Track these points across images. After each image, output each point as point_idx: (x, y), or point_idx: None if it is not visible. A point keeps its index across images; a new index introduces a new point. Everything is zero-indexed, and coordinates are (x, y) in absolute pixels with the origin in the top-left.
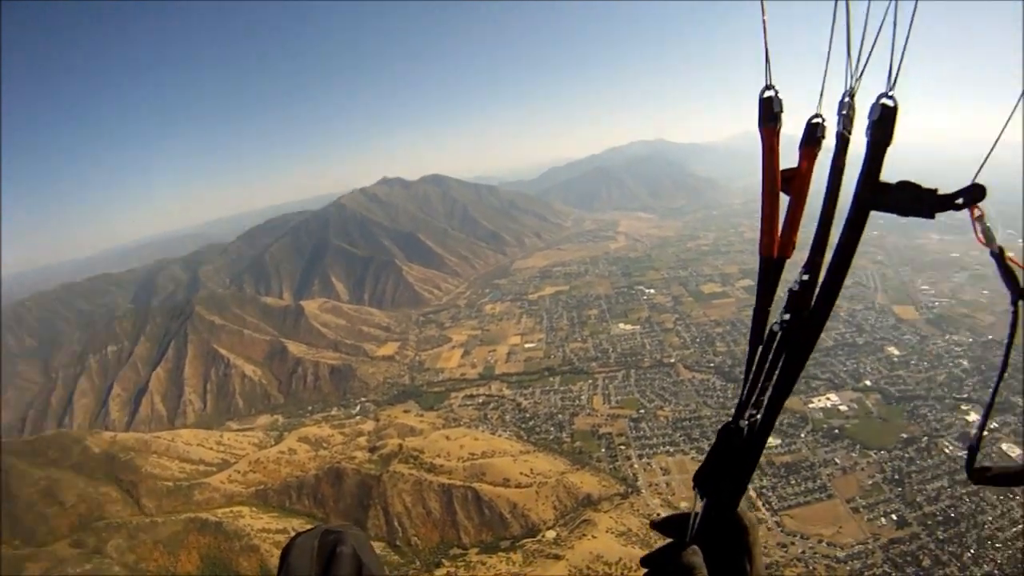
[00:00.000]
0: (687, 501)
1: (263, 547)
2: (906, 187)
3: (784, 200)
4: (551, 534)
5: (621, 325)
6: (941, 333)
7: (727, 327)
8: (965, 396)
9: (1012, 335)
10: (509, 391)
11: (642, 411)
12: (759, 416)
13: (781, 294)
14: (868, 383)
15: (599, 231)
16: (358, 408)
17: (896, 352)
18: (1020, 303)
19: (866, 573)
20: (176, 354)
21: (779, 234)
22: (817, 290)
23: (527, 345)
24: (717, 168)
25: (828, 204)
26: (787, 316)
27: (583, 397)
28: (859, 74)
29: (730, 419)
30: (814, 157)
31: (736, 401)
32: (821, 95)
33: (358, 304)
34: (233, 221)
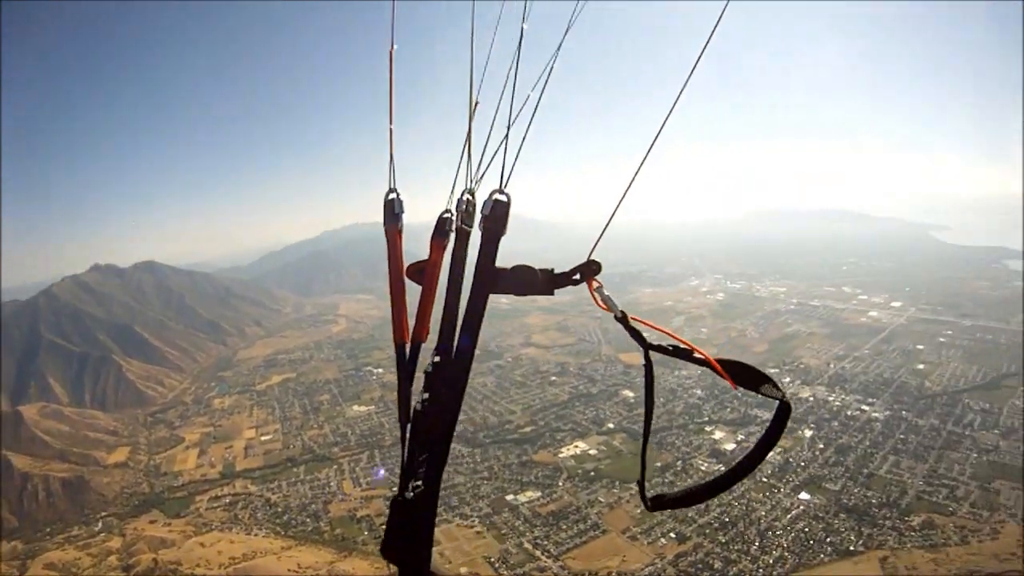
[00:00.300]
0: (465, 567)
1: None
2: (522, 271)
3: (416, 289)
4: None
5: (355, 407)
6: (670, 371)
7: (466, 401)
8: (706, 419)
9: (649, 380)
10: (255, 487)
11: (394, 490)
12: (422, 485)
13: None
14: (611, 425)
15: (320, 315)
16: (100, 524)
17: (631, 394)
18: (649, 353)
19: None
20: None
21: (407, 322)
22: (449, 369)
23: (263, 438)
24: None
25: (450, 292)
26: (426, 395)
27: (332, 483)
28: (480, 176)
29: (396, 494)
30: (443, 248)
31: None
32: (452, 192)
33: (79, 406)
34: None
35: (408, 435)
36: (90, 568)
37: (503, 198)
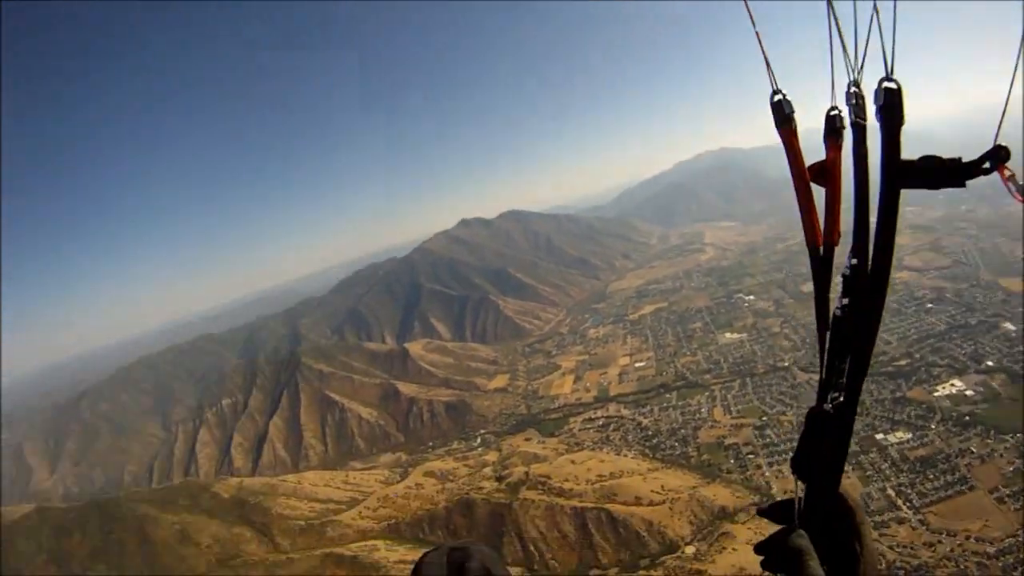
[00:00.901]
0: None
1: None
2: (929, 161)
3: (821, 192)
4: (690, 549)
5: (727, 334)
6: None
7: None
8: None
9: None
10: (627, 411)
11: (765, 418)
12: (841, 397)
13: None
14: (990, 363)
15: (686, 245)
16: (479, 440)
17: (1012, 328)
18: None
19: (1020, 568)
20: (290, 403)
21: (820, 225)
22: (869, 272)
23: (637, 364)
24: (786, 168)
25: (859, 190)
26: (845, 300)
27: (703, 410)
28: (860, 65)
29: (814, 405)
30: (839, 147)
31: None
32: (832, 87)
33: (461, 341)
34: (322, 276)
35: (827, 344)
36: (466, 476)
37: (893, 85)
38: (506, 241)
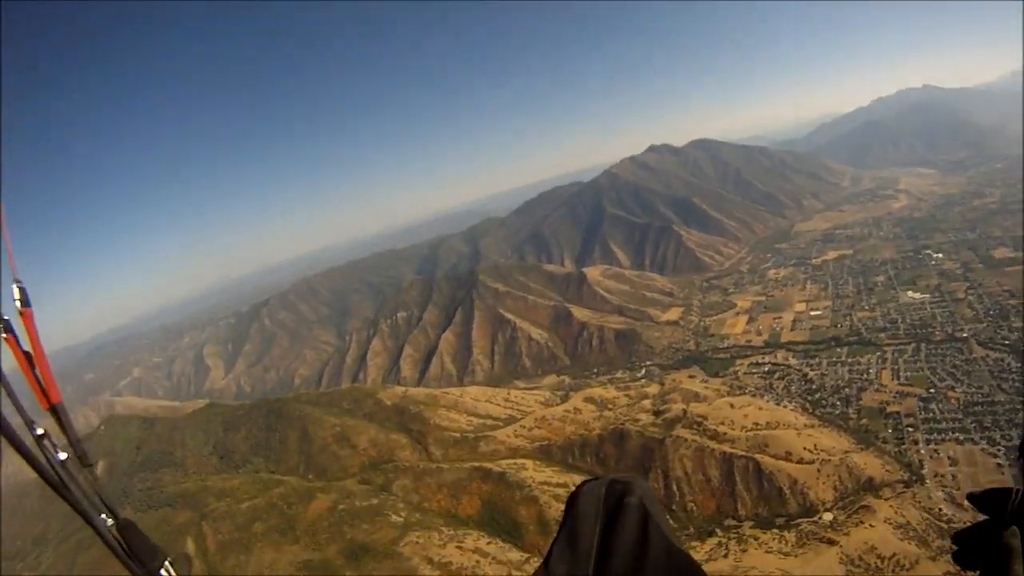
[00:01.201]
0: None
1: (542, 499)
2: None
3: None
4: (828, 516)
5: (910, 293)
6: None
7: (1023, 299)
8: None
9: None
10: (795, 360)
11: (932, 390)
12: None
13: None
14: None
15: (878, 189)
16: (643, 371)
17: None
18: None
19: None
20: (463, 319)
21: None
22: None
23: (813, 312)
24: (997, 113)
25: None
26: None
27: (871, 370)
28: None
29: None
30: None
31: None
32: None
33: (639, 270)
34: (506, 196)
35: None
36: (624, 407)
37: None
38: (694, 170)
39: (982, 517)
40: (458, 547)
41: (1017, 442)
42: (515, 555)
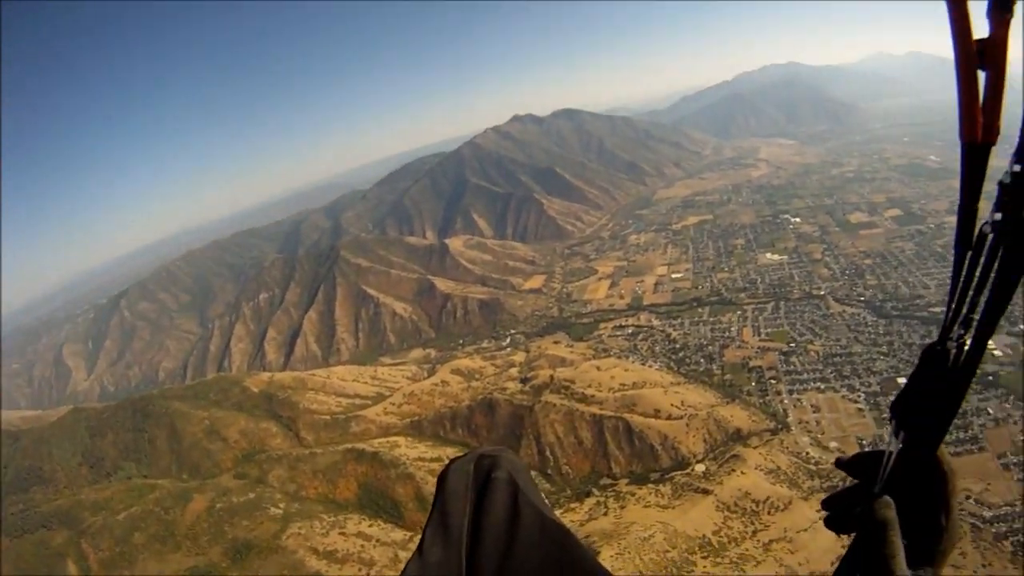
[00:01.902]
0: (837, 442)
1: (418, 475)
2: None
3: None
4: (700, 468)
5: (768, 255)
6: None
7: (877, 259)
8: None
9: None
10: (658, 322)
11: (792, 344)
12: (968, 337)
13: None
14: None
15: (739, 159)
16: (508, 340)
17: None
18: None
19: (1011, 538)
20: (326, 297)
21: (980, 115)
22: None
23: (674, 275)
24: (855, 91)
25: None
26: (998, 216)
27: (732, 329)
28: None
29: (935, 340)
30: (1008, 23)
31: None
32: None
33: (502, 239)
34: (368, 168)
35: (965, 267)
36: (492, 376)
37: None
38: (557, 140)
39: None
40: (341, 533)
41: (876, 388)
42: (398, 535)
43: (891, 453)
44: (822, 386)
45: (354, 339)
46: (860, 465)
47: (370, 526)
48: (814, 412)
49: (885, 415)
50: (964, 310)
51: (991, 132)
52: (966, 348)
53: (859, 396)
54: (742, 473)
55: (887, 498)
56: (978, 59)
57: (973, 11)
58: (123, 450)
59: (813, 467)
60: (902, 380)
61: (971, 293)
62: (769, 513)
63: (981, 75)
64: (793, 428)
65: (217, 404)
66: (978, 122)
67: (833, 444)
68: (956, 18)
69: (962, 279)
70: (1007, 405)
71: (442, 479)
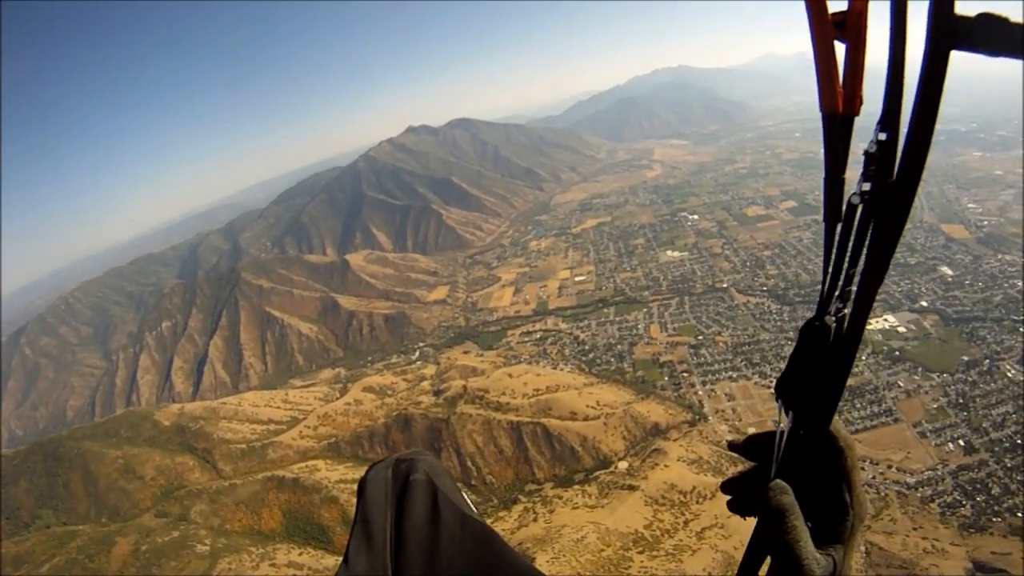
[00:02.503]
0: (755, 427)
1: (342, 497)
2: (990, 20)
3: (840, 49)
4: (623, 465)
5: (669, 252)
6: (993, 253)
7: (776, 250)
8: (1023, 318)
9: None
10: (565, 325)
11: (700, 337)
12: (847, 310)
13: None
14: (924, 304)
15: (634, 160)
16: (417, 354)
17: (950, 272)
18: None
19: (936, 500)
20: (230, 321)
21: (840, 86)
22: (900, 150)
23: (577, 278)
24: (744, 91)
25: (895, 46)
26: (867, 185)
27: (640, 326)
28: None
29: (812, 316)
30: None
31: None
32: None
33: (402, 252)
34: (263, 187)
35: (836, 239)
36: (404, 391)
37: None
38: (453, 150)
39: None
40: (272, 565)
41: None
42: (329, 560)
43: (782, 432)
44: (734, 375)
45: (262, 363)
46: (754, 447)
47: (300, 554)
48: (729, 401)
49: None
50: (840, 283)
51: (852, 103)
52: (846, 321)
53: (771, 382)
54: (665, 466)
55: (781, 483)
56: (836, 30)
57: None
58: (38, 497)
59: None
60: None
61: (845, 266)
62: (697, 502)
63: (841, 47)
64: (710, 418)
65: (130, 441)
66: (838, 93)
67: (751, 429)
68: None
69: (834, 252)
70: (916, 377)
71: (361, 487)
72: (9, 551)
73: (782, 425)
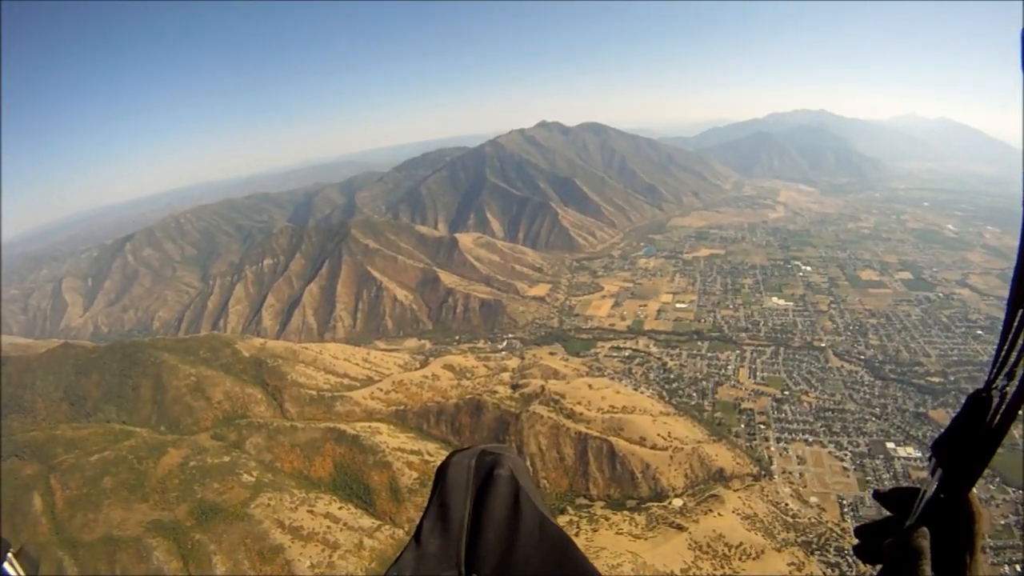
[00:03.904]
0: (818, 497)
1: (395, 465)
2: None
3: None
4: (678, 502)
5: (774, 299)
6: None
7: (882, 319)
8: None
9: None
10: (656, 349)
11: (786, 392)
12: (1011, 388)
13: None
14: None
15: (758, 198)
16: (504, 344)
17: None
18: None
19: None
20: (330, 272)
21: None
22: None
23: (678, 305)
24: (882, 148)
25: None
26: None
27: (729, 367)
28: None
29: (979, 387)
30: None
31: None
32: None
33: (512, 242)
34: (390, 151)
35: (1016, 321)
36: (483, 378)
37: None
38: (580, 152)
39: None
40: (309, 511)
41: (863, 448)
42: (367, 521)
43: (926, 490)
44: (810, 439)
45: (352, 318)
46: (895, 499)
47: (340, 508)
48: (799, 464)
49: (868, 477)
50: (1011, 362)
51: None
52: (1008, 397)
53: (846, 455)
54: (719, 514)
55: (923, 528)
56: None
57: None
58: (106, 392)
59: (791, 519)
60: (890, 445)
61: (1018, 348)
62: (740, 559)
63: None
64: (776, 477)
65: (206, 362)
66: None
67: (814, 499)
68: None
69: (1011, 334)
70: (992, 487)
71: (442, 471)
72: (64, 434)
73: (927, 483)
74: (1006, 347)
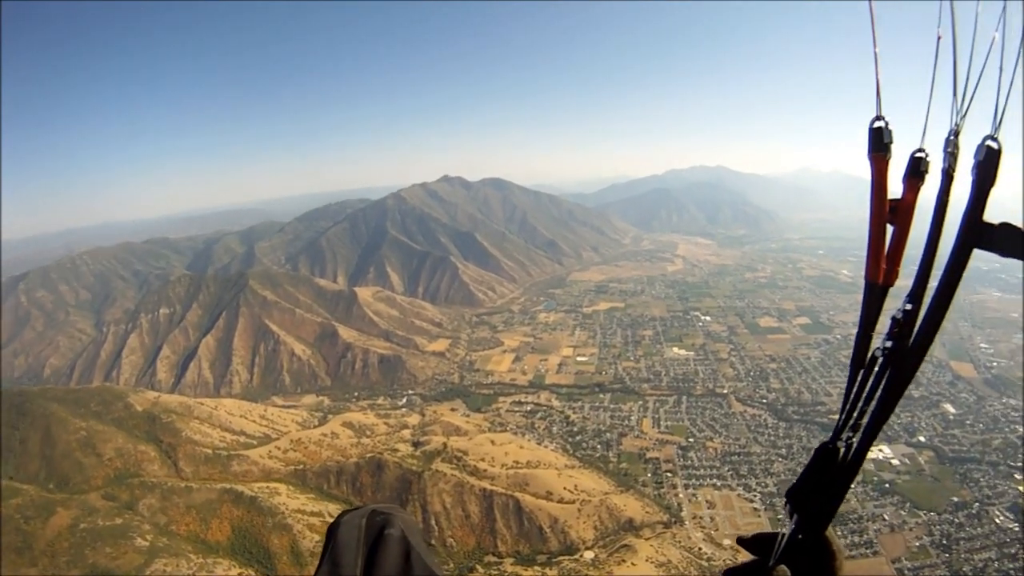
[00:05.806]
0: (730, 539)
1: (296, 527)
2: (1008, 229)
3: (889, 231)
4: (589, 555)
5: (675, 349)
6: (999, 395)
7: (782, 364)
8: (1020, 464)
9: None
10: (558, 402)
11: (691, 440)
12: (855, 439)
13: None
14: (922, 439)
15: (657, 252)
16: (405, 400)
17: (952, 410)
18: None
19: None
20: (227, 324)
21: (884, 262)
22: (920, 321)
23: (579, 358)
24: (777, 201)
25: (932, 238)
26: (889, 343)
27: (632, 418)
28: (963, 113)
29: (827, 439)
30: (917, 189)
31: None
32: (925, 130)
33: (412, 296)
34: (293, 201)
35: (858, 381)
36: (383, 435)
37: (995, 145)
38: (482, 206)
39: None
40: None
41: (772, 488)
42: None
43: (785, 533)
44: (718, 483)
45: (248, 373)
46: (758, 543)
47: (239, 574)
48: (709, 508)
49: (780, 516)
50: (854, 416)
51: (891, 277)
52: (853, 448)
53: (755, 496)
54: (632, 564)
55: (783, 567)
56: (890, 215)
57: (892, 174)
58: None
59: (705, 563)
60: None
61: (860, 403)
62: None
63: (890, 229)
64: (687, 523)
65: (97, 416)
66: (881, 268)
67: (727, 542)
68: (876, 179)
69: (854, 391)
70: (903, 512)
71: (332, 531)
72: None
73: (785, 527)
74: (848, 404)
